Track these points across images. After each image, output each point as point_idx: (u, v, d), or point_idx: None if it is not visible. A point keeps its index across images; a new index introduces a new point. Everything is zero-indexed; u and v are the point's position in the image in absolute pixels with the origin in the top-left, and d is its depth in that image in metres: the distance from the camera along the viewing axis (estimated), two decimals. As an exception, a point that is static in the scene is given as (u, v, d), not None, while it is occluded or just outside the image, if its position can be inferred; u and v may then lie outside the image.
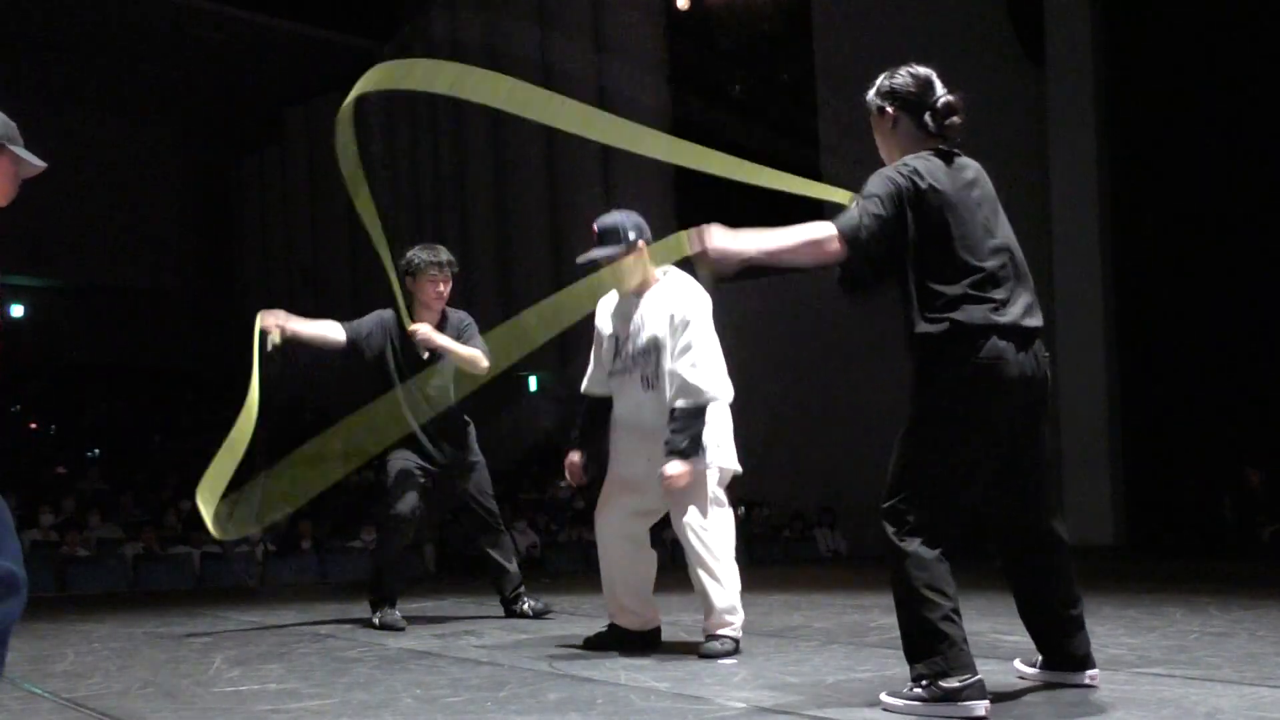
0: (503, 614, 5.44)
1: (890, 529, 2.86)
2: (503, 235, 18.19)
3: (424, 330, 5.01)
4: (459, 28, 18.93)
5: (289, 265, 22.64)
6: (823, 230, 2.85)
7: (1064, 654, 3.09)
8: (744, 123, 15.91)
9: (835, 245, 2.84)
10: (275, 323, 4.88)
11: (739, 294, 14.94)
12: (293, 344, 4.98)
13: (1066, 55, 11.92)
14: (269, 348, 4.83)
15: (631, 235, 4.03)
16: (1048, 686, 3.17)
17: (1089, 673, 3.08)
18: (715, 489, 4.00)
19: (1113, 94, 11.75)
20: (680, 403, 3.84)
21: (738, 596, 3.97)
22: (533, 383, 18.09)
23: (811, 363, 14.60)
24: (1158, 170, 11.29)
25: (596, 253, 4.05)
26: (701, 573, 3.93)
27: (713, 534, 3.95)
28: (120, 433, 16.83)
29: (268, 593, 8.24)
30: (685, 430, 3.81)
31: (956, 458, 2.86)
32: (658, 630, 4.26)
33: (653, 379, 3.98)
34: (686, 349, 3.88)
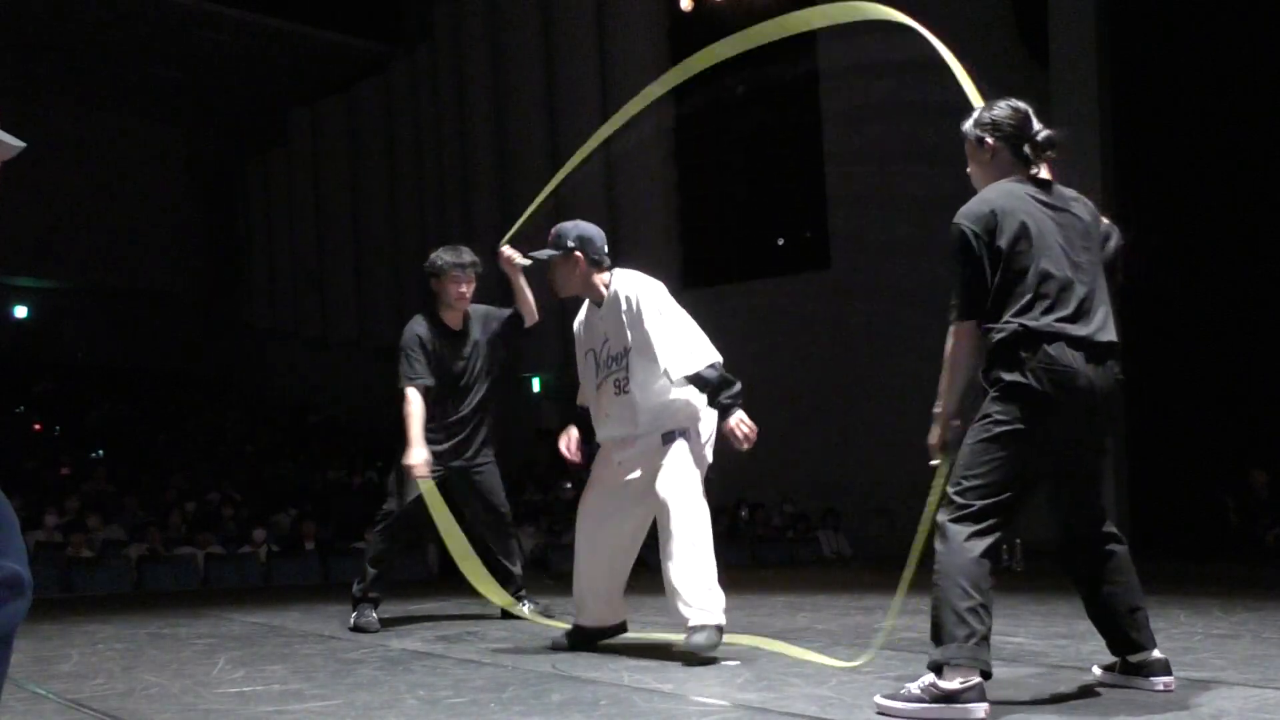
0: (503, 615, 5.45)
1: (945, 513, 2.92)
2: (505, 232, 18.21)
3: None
4: (463, 29, 18.96)
5: (294, 267, 22.68)
6: (963, 338, 3.01)
7: (1133, 650, 3.09)
8: (747, 123, 15.92)
9: (970, 331, 2.99)
10: (421, 470, 4.97)
11: (742, 296, 14.98)
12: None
13: (1071, 56, 11.91)
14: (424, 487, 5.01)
15: (570, 243, 4.14)
16: (1050, 689, 3.17)
17: (1163, 679, 3.07)
18: (699, 478, 4.00)
19: (1117, 95, 11.74)
20: (683, 377, 3.90)
21: (715, 583, 3.88)
22: (536, 384, 18.10)
23: (814, 364, 14.60)
24: (1162, 172, 11.27)
25: (539, 252, 4.26)
26: (675, 561, 3.85)
27: (697, 519, 3.89)
28: (125, 434, 16.85)
29: (271, 594, 8.25)
30: (710, 390, 3.89)
31: (1014, 458, 2.91)
32: (621, 625, 4.30)
33: (624, 384, 4.04)
34: (661, 340, 3.93)
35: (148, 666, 4.05)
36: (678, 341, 3.93)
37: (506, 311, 5.40)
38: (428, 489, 4.94)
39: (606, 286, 4.14)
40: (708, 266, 15.76)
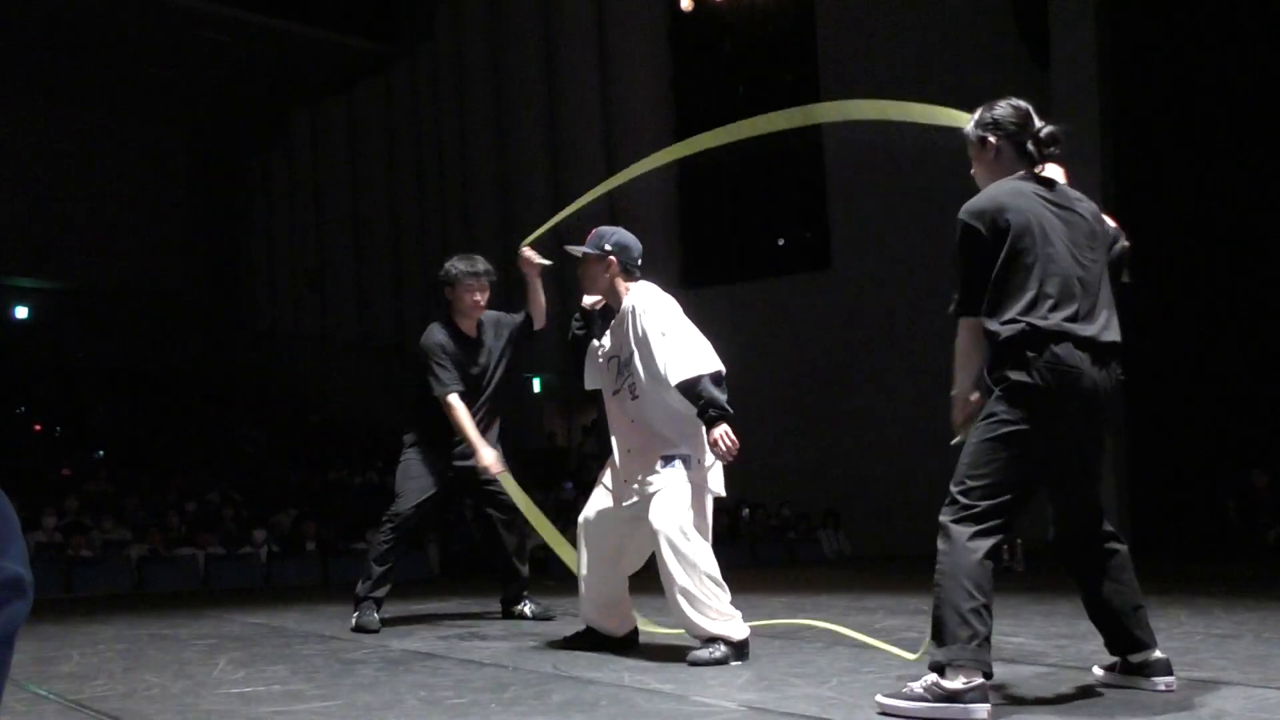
0: (504, 615, 5.46)
1: (944, 514, 2.92)
2: (506, 238, 18.22)
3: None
4: (463, 30, 18.95)
5: (293, 267, 22.68)
6: (969, 330, 3.03)
7: (1135, 649, 3.09)
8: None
9: (974, 324, 3.01)
10: (497, 467, 5.04)
11: (742, 296, 14.98)
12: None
13: (1071, 58, 11.91)
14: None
15: (607, 246, 4.19)
16: (1050, 689, 3.17)
17: (1164, 679, 3.06)
18: (698, 505, 3.98)
19: (1118, 97, 11.74)
20: (681, 384, 3.92)
21: (724, 605, 3.89)
22: (536, 385, 18.10)
23: (815, 364, 14.60)
24: (1163, 173, 11.28)
25: (575, 248, 4.28)
26: (676, 589, 3.86)
27: (692, 546, 3.89)
28: (125, 434, 16.85)
29: (272, 594, 8.25)
30: (702, 403, 3.89)
31: (1017, 457, 2.90)
32: (633, 633, 4.32)
33: (634, 389, 4.08)
34: (661, 351, 3.97)
35: (148, 667, 4.05)
36: (679, 350, 3.96)
37: (518, 317, 5.42)
38: (509, 484, 5.03)
39: (624, 296, 4.18)
40: (708, 266, 15.76)
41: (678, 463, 3.97)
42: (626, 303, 4.15)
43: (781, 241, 16.08)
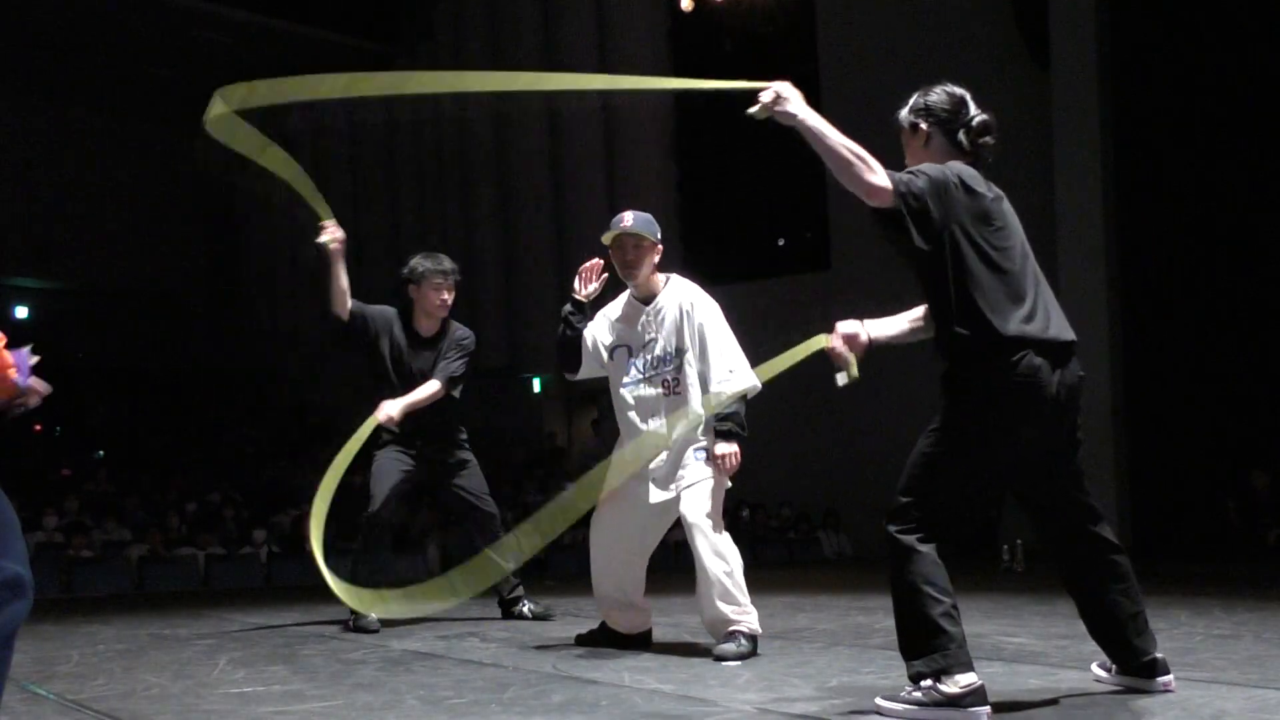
0: (504, 615, 5.46)
1: (893, 526, 2.85)
2: (507, 238, 18.21)
3: (385, 412, 5.05)
4: (463, 30, 18.95)
5: (294, 268, 22.65)
6: (878, 167, 2.84)
7: (1134, 658, 3.05)
8: (748, 123, 15.91)
9: (882, 185, 2.83)
10: (335, 241, 5.13)
11: (742, 296, 14.96)
12: (326, 262, 5.16)
13: (1072, 58, 11.90)
14: (323, 241, 5.12)
15: (658, 235, 4.21)
16: (1050, 689, 3.17)
17: (1162, 679, 3.04)
18: (721, 500, 4.07)
19: (1118, 97, 11.73)
20: (724, 395, 3.98)
21: (746, 598, 3.98)
22: (536, 385, 18.10)
23: (814, 365, 14.58)
24: (1162, 173, 11.27)
25: (640, 229, 4.14)
26: (708, 578, 3.93)
27: (724, 539, 4.00)
28: (125, 434, 16.85)
29: (272, 594, 8.25)
30: (732, 418, 3.99)
31: (977, 468, 2.85)
32: (648, 633, 4.33)
33: (673, 385, 4.08)
34: (718, 352, 4.02)
35: (148, 667, 4.05)
36: (729, 359, 4.02)
37: (470, 347, 5.31)
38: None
39: (661, 287, 4.20)
40: (708, 266, 15.74)
41: (707, 459, 4.03)
42: (673, 296, 4.15)
43: (781, 241, 16.07)
